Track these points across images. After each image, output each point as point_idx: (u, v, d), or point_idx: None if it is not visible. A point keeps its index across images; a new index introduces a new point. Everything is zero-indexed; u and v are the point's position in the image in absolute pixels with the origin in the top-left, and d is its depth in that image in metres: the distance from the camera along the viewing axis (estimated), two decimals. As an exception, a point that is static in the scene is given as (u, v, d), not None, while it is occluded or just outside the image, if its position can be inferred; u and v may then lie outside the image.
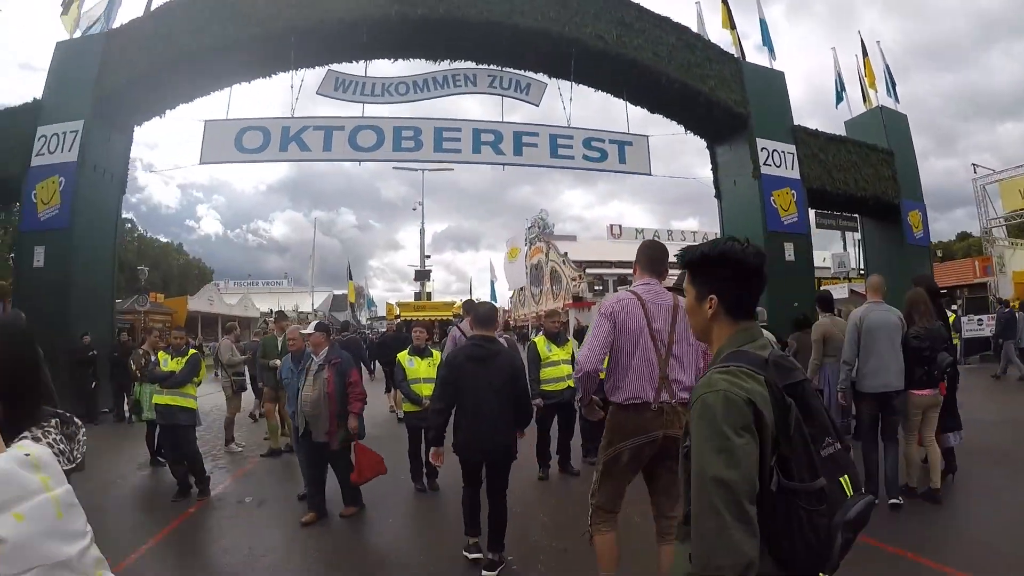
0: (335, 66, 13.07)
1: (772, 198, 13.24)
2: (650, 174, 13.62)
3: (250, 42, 12.06)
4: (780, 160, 13.53)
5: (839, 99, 16.59)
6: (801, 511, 1.33)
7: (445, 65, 13.25)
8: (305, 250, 38.05)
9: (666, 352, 3.07)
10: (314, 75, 13.12)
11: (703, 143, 14.59)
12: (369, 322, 47.23)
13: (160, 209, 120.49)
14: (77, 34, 13.03)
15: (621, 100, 13.60)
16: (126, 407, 10.60)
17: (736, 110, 13.26)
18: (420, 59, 13.14)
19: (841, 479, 1.40)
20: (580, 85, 13.34)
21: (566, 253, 47.66)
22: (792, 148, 13.75)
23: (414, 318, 19.24)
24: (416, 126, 13.16)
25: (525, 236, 32.46)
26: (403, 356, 6.34)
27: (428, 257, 33.31)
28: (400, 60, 13.19)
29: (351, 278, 40.68)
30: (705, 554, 1.30)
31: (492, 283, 37.57)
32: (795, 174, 13.71)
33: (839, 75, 16.48)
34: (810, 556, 1.34)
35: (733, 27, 14.34)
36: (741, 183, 13.61)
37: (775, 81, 14.26)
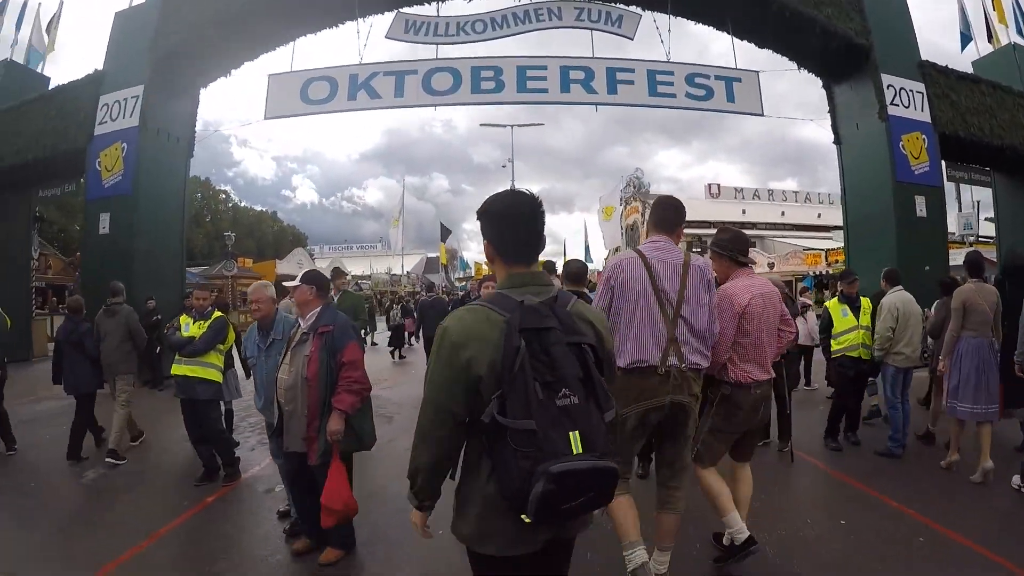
0: (405, 8, 11.98)
1: (900, 144, 11.44)
2: (762, 114, 11.89)
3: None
4: (908, 100, 11.68)
5: (965, 40, 14.44)
6: (508, 447, 1.40)
7: (526, 2, 11.95)
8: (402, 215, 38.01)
9: (674, 313, 2.83)
10: (383, 22, 12.07)
11: (809, 92, 12.88)
12: (461, 283, 47.38)
13: (256, 182, 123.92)
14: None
15: (724, 35, 11.99)
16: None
17: (856, 41, 11.44)
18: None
19: (571, 434, 1.40)
20: (677, 18, 11.77)
21: None
22: (921, 86, 11.87)
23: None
24: (496, 65, 11.87)
25: (620, 195, 30.72)
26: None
27: None
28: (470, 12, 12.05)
29: (443, 240, 40.71)
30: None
31: (586, 244, 36.78)
32: (925, 116, 11.83)
33: (963, 10, 14.35)
34: (509, 493, 1.42)
35: None
36: (864, 126, 11.83)
37: (897, 8, 12.28)
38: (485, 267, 22.94)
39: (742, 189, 49.33)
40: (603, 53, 12.02)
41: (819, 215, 43.54)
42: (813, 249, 27.48)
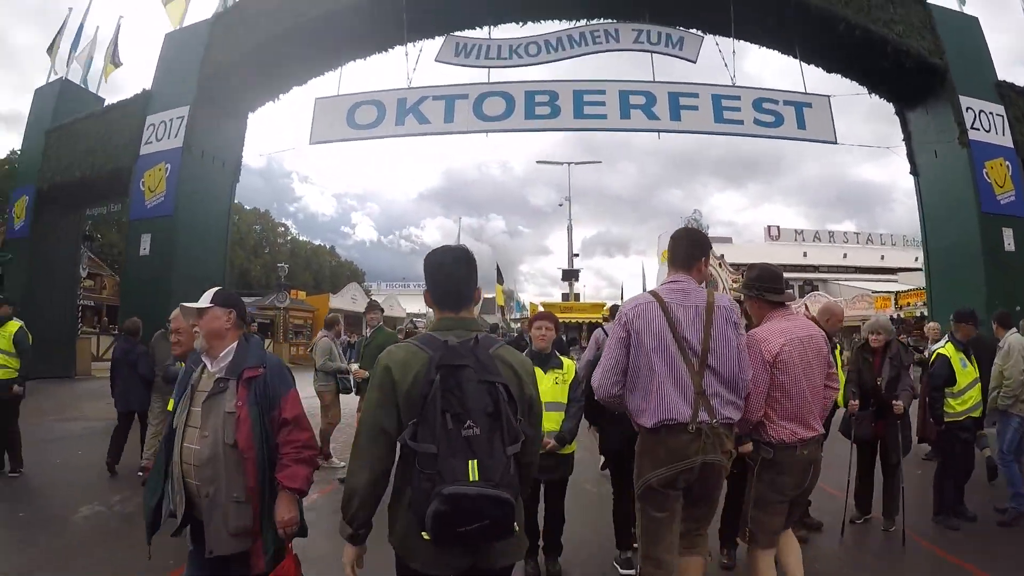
0: (455, 32, 11.72)
1: (984, 171, 10.54)
2: (835, 141, 11.12)
3: (357, 8, 10.96)
4: (989, 123, 10.82)
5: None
6: (415, 469, 1.56)
7: (582, 24, 11.57)
8: None
9: (699, 363, 2.47)
10: (432, 47, 11.81)
11: (875, 124, 12.07)
12: (517, 324, 47.73)
13: (317, 217, 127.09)
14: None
15: (790, 59, 11.38)
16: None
17: (931, 61, 10.71)
18: (552, 20, 11.55)
19: (470, 462, 1.53)
20: (740, 42, 11.21)
21: (722, 256, 44.71)
22: (1000, 108, 11.03)
23: (562, 321, 17.70)
24: (551, 89, 11.36)
25: None
26: None
27: (576, 256, 30.81)
28: (529, 23, 11.65)
29: (500, 282, 41.24)
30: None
31: (644, 288, 36.35)
32: (1007, 141, 10.97)
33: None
34: (416, 512, 1.56)
35: None
36: (944, 153, 10.97)
37: (970, 28, 11.56)
38: (540, 306, 22.59)
39: (802, 231, 48.12)
40: (663, 77, 11.48)
41: (882, 256, 42.28)
42: (881, 292, 26.02)
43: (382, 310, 7.18)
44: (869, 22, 10.45)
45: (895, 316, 23.09)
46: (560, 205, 30.46)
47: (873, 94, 11.77)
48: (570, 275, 28.97)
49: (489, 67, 11.64)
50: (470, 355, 1.66)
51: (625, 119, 11.15)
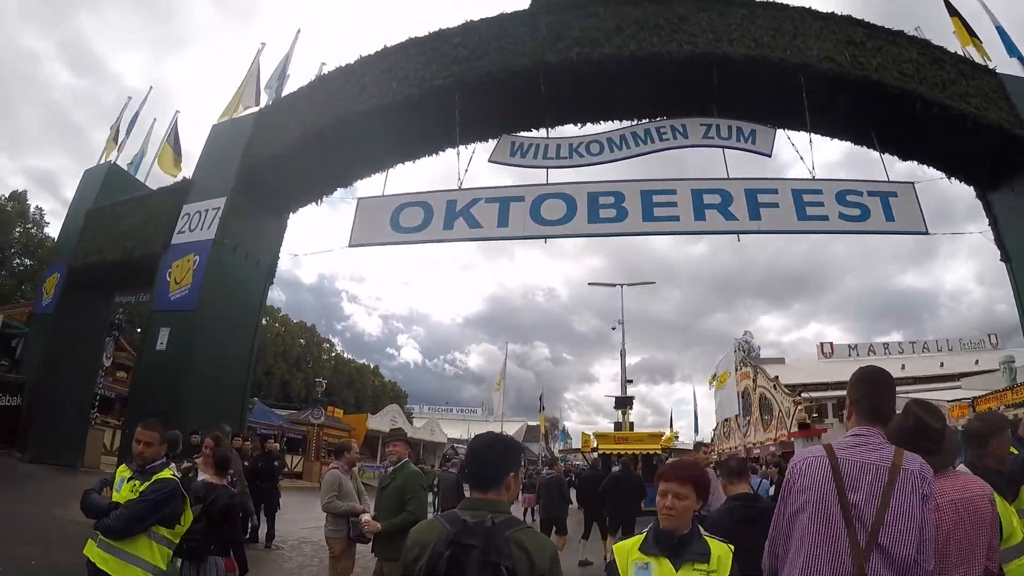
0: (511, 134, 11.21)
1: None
2: (926, 231, 10.05)
3: (407, 104, 10.54)
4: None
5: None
6: None
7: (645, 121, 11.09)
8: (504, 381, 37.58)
9: (867, 539, 1.95)
10: (485, 149, 11.23)
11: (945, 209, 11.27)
12: (562, 454, 44.91)
13: (363, 337, 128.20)
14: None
15: (863, 148, 10.90)
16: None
17: (1015, 132, 10.04)
18: (612, 121, 11.09)
19: None
20: (813, 134, 10.59)
21: (776, 377, 42.50)
22: None
23: (615, 452, 15.70)
24: (617, 191, 10.50)
25: (734, 360, 28.84)
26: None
27: (630, 382, 29.09)
28: (588, 124, 11.17)
29: (542, 409, 39.57)
30: None
31: (695, 414, 34.39)
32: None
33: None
34: None
35: (974, 36, 11.45)
36: (1042, 232, 10.01)
37: None
38: (593, 439, 20.85)
39: (855, 345, 46.58)
40: (736, 174, 10.76)
41: (941, 364, 40.30)
42: (955, 400, 23.90)
43: (407, 442, 5.37)
44: (947, 98, 9.95)
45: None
46: (613, 328, 29.61)
47: (953, 178, 11.06)
48: (624, 402, 27.00)
49: (547, 167, 10.92)
50: (481, 536, 1.80)
51: (700, 220, 10.13)
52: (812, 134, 10.52)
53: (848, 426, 2.22)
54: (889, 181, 10.42)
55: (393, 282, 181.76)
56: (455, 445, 41.65)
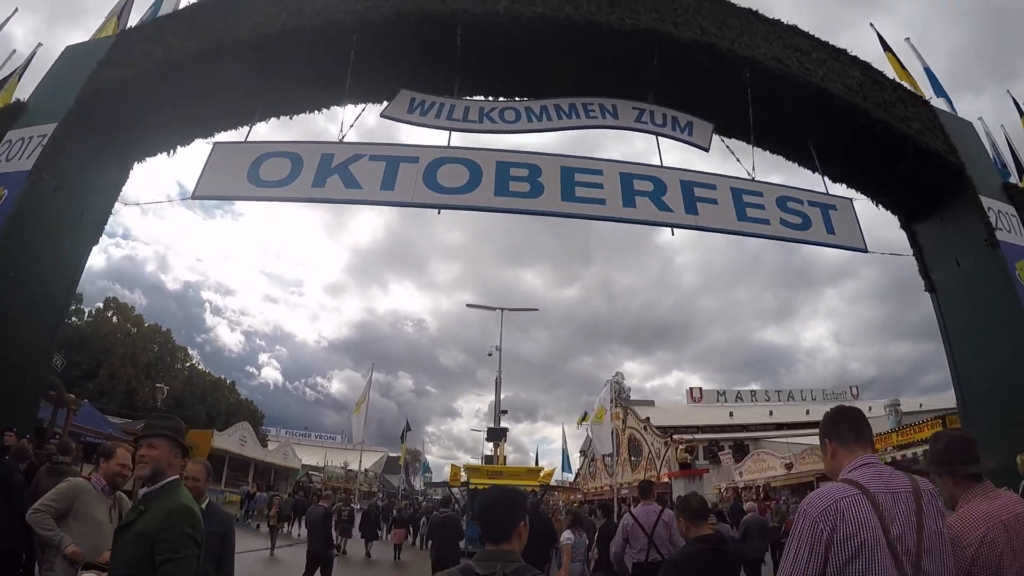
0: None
1: (1016, 273, 9.17)
2: (865, 249, 9.25)
3: (295, 37, 8.69)
4: (1008, 224, 9.75)
5: (1004, 175, 12.31)
6: None
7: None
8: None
9: (912, 570, 1.86)
10: (375, 112, 9.52)
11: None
12: (423, 488, 42.87)
13: (224, 352, 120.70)
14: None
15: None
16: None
17: (949, 160, 9.69)
18: (530, 97, 9.68)
19: None
20: (749, 144, 9.72)
21: (647, 418, 42.53)
22: (1012, 209, 10.05)
23: (487, 487, 14.16)
24: (532, 163, 8.90)
25: (609, 398, 28.09)
26: None
27: (504, 413, 28.08)
28: (502, 99, 9.68)
29: (403, 440, 37.50)
30: None
31: (564, 453, 33.63)
32: (1024, 241, 9.89)
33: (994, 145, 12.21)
34: None
35: (907, 74, 11.21)
36: (968, 261, 9.61)
37: (968, 130, 10.98)
38: (463, 472, 19.10)
39: (724, 392, 47.89)
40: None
41: (807, 411, 42.10)
42: None
43: (184, 445, 3.09)
44: (890, 118, 9.42)
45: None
46: (489, 354, 28.17)
47: (880, 205, 10.64)
48: (498, 434, 25.17)
49: (451, 130, 9.17)
50: None
51: (630, 207, 8.70)
52: (751, 138, 9.59)
53: (835, 463, 2.18)
54: (828, 194, 9.69)
55: (260, 297, 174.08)
56: (310, 472, 39.22)
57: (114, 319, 46.40)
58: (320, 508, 11.06)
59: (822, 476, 24.24)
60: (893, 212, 10.80)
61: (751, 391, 48.83)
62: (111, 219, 9.89)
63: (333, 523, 20.42)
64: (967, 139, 10.56)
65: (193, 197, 8.44)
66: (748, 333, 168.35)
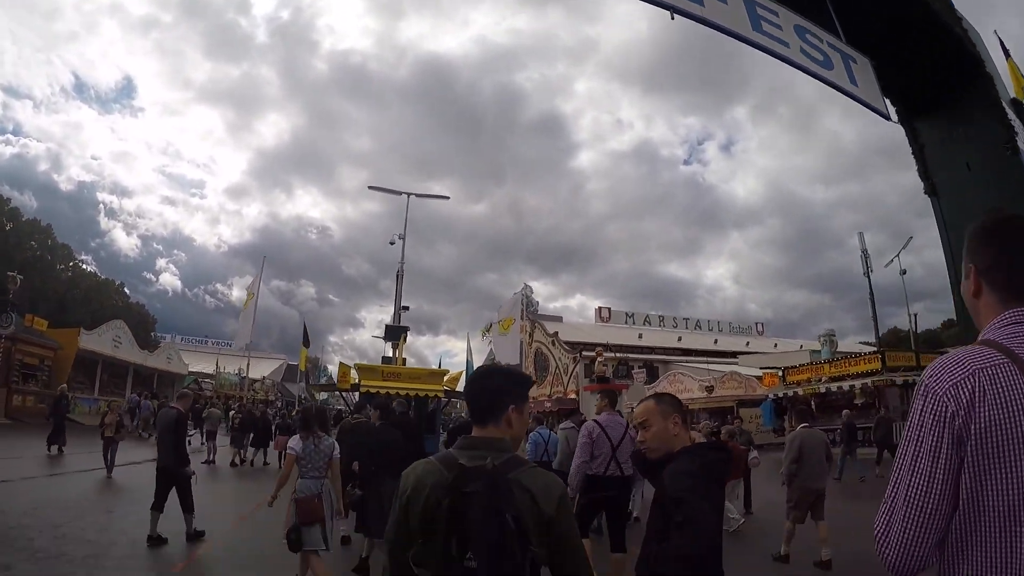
0: None
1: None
2: (887, 115, 8.23)
3: None
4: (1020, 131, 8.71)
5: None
6: None
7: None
8: (264, 317, 31.86)
9: None
10: None
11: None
12: (324, 395, 40.30)
13: (119, 257, 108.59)
14: None
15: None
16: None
17: (968, 48, 8.55)
18: None
19: None
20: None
21: (556, 333, 41.68)
22: (1020, 125, 8.84)
23: (383, 391, 12.01)
24: None
25: (520, 309, 26.55)
26: None
27: (406, 309, 25.08)
28: None
29: (306, 345, 34.38)
30: None
31: (469, 363, 32.42)
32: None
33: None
34: None
35: None
36: (980, 165, 8.62)
37: (979, 40, 9.51)
38: (355, 373, 15.78)
39: (632, 314, 48.01)
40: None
41: (715, 341, 43.22)
42: (771, 368, 24.83)
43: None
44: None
45: (784, 395, 21.70)
46: (391, 243, 25.20)
47: (884, 90, 9.27)
48: (397, 333, 21.39)
49: None
50: (482, 480, 1.59)
51: None
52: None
53: (982, 305, 1.38)
54: (848, 45, 8.31)
55: (158, 199, 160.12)
56: (199, 379, 36.12)
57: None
58: (171, 411, 7.93)
59: (741, 402, 24.70)
60: (894, 102, 9.55)
61: (659, 316, 49.33)
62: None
63: (206, 432, 18.22)
64: (979, 45, 9.24)
65: None
66: (652, 264, 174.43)
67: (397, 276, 24.72)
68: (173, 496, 7.28)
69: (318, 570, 5.08)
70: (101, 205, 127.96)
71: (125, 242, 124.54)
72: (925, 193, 9.47)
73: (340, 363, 16.39)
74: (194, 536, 7.29)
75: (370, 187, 26.43)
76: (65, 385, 14.91)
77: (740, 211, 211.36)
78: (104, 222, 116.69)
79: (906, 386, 19.46)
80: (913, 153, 9.61)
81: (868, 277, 28.14)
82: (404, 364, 18.55)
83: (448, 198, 30.45)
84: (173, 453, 7.49)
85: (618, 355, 35.67)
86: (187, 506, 7.41)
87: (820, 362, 22.16)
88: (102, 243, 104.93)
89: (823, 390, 19.60)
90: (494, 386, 1.83)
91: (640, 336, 41.52)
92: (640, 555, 2.34)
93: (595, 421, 5.74)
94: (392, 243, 25.14)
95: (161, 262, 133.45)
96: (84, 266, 53.95)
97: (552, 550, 1.63)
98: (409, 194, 23.86)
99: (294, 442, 5.51)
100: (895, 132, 9.80)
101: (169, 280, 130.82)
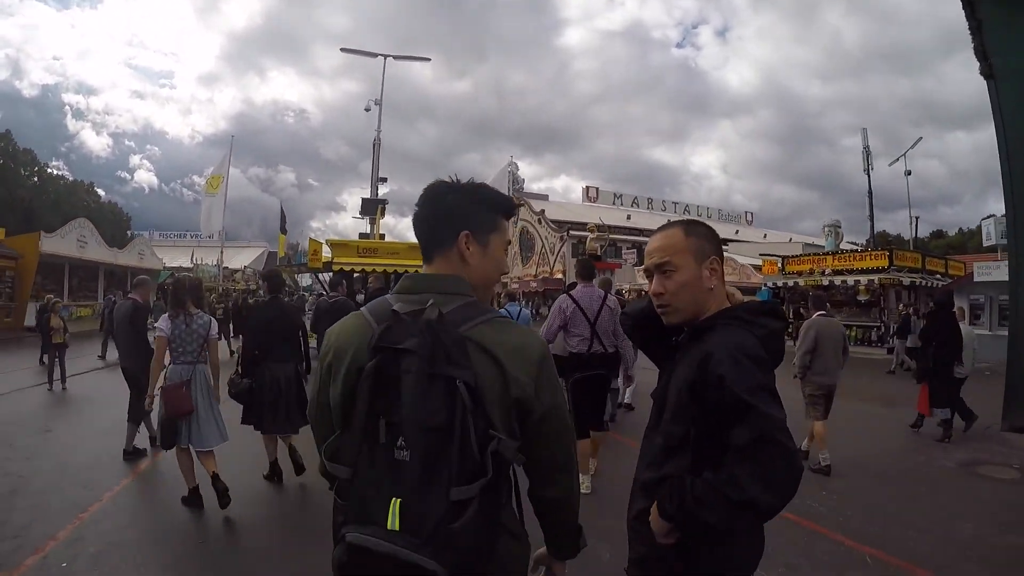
0: None
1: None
2: None
3: None
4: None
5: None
6: (335, 495, 1.17)
7: None
8: (243, 207, 29.89)
9: None
10: None
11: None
12: (309, 282, 40.22)
13: (91, 159, 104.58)
14: None
15: None
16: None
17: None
18: None
19: (393, 500, 1.03)
20: None
21: (543, 211, 40.93)
22: None
23: (358, 268, 11.10)
24: None
25: (507, 186, 25.56)
26: None
27: (384, 180, 23.64)
28: None
29: (284, 231, 33.70)
30: None
31: None
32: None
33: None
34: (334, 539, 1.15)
35: None
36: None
37: None
38: (326, 249, 14.08)
39: (621, 195, 47.30)
40: None
41: None
42: (770, 256, 24.43)
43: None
44: None
45: (782, 284, 21.37)
46: (367, 110, 23.62)
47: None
48: (373, 207, 19.18)
49: None
50: (421, 334, 1.11)
51: None
52: None
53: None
54: None
55: (126, 94, 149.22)
56: (177, 274, 35.24)
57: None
58: (127, 303, 6.77)
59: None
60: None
61: (648, 198, 48.61)
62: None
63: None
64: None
65: None
66: (638, 148, 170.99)
67: (373, 145, 23.30)
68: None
69: (202, 465, 4.60)
70: (67, 107, 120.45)
71: (96, 142, 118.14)
72: (981, 74, 8.62)
73: (310, 239, 14.50)
74: (132, 454, 6.12)
75: (342, 49, 24.15)
76: (52, 295, 13.84)
77: (732, 100, 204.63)
78: (72, 124, 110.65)
79: (913, 287, 19.13)
80: (970, 29, 8.65)
81: (868, 174, 27.69)
82: (383, 239, 16.71)
83: (429, 59, 29.02)
84: (134, 352, 6.37)
85: (609, 235, 35.42)
86: (133, 415, 6.31)
87: (823, 253, 21.19)
88: (72, 146, 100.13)
89: (826, 283, 18.71)
90: (444, 206, 1.32)
91: (628, 218, 41.10)
92: (643, 479, 1.56)
93: (567, 294, 5.25)
94: (367, 109, 23.56)
95: (135, 159, 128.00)
96: (53, 171, 52.51)
97: (528, 437, 1.20)
98: (386, 56, 22.27)
99: (162, 322, 4.73)
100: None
101: (145, 177, 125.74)
